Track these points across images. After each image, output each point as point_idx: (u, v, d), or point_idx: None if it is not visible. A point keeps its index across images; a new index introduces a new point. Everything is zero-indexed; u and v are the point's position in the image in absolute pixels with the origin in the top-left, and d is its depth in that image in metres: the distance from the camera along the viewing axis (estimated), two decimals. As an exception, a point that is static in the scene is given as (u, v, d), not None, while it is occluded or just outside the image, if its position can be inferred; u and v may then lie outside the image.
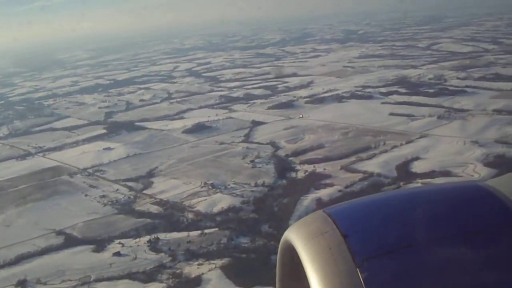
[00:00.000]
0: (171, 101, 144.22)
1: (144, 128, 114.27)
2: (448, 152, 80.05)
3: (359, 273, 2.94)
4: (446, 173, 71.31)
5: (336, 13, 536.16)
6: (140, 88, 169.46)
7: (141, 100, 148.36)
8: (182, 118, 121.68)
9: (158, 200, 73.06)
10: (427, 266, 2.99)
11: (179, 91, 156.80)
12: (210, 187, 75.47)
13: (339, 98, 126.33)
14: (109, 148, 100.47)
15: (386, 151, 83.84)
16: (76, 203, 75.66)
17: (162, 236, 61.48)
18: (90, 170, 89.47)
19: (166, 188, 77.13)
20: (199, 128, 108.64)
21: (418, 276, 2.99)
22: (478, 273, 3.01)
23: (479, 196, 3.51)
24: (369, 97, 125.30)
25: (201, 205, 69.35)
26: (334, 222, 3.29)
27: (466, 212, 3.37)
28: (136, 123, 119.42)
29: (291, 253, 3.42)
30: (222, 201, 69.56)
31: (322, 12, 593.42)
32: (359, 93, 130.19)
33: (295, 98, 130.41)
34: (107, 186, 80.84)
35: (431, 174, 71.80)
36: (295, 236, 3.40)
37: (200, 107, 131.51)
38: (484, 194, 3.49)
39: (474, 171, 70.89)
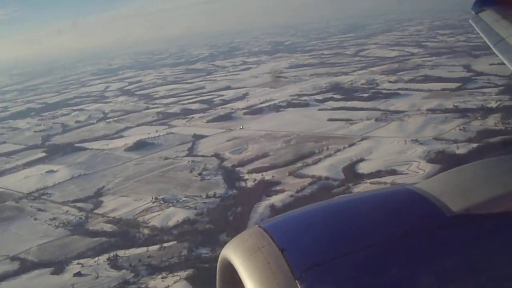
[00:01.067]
0: (107, 120, 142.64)
1: (84, 149, 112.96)
2: (391, 152, 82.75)
3: (298, 285, 3.01)
4: (392, 172, 73.78)
5: (260, 26, 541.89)
6: (74, 110, 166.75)
7: (77, 122, 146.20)
8: (121, 136, 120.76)
9: (111, 218, 72.82)
10: (365, 272, 3.11)
11: (115, 111, 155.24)
12: (161, 202, 75.81)
13: (276, 108, 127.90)
14: (52, 171, 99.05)
15: (330, 155, 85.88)
16: (26, 227, 74.70)
17: (121, 253, 61.51)
18: (36, 194, 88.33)
19: (117, 206, 76.89)
20: (141, 146, 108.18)
21: (356, 283, 3.10)
22: (416, 275, 3.13)
23: (411, 200, 3.63)
24: (306, 105, 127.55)
25: (156, 220, 69.55)
26: (271, 237, 3.34)
27: (399, 216, 3.47)
28: (76, 145, 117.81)
29: (230, 271, 3.46)
30: (176, 215, 69.94)
31: (246, 26, 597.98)
32: (296, 101, 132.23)
33: (233, 110, 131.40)
34: (56, 209, 79.99)
35: (378, 174, 74.04)
36: (233, 253, 3.44)
37: (139, 125, 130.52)
38: (415, 197, 3.62)
39: (419, 168, 73.59)
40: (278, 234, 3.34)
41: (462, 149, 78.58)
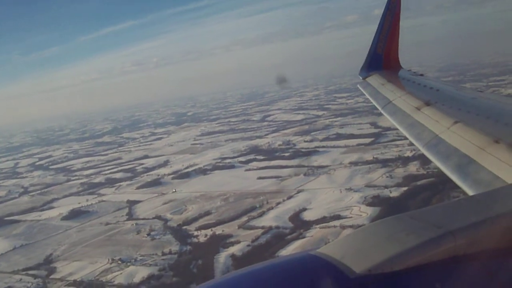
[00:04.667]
0: (31, 194, 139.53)
1: (17, 221, 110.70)
2: (330, 200, 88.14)
3: None
4: (337, 217, 79.00)
5: (157, 100, 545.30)
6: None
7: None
8: (52, 208, 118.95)
9: (71, 281, 72.93)
10: None
11: (34, 184, 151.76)
12: (119, 262, 76.63)
13: (203, 171, 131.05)
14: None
15: (272, 208, 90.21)
16: (-18, 298, 73.54)
17: (95, 310, 62.48)
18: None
19: (73, 270, 76.89)
20: (76, 214, 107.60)
21: None
22: None
23: (314, 265, 3.68)
24: (231, 166, 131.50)
25: (120, 278, 70.72)
26: None
27: (303, 283, 3.50)
28: (5, 218, 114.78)
29: None
30: (139, 272, 71.31)
31: (142, 100, 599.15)
32: (220, 164, 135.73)
33: (159, 176, 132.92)
34: (7, 278, 78.81)
35: (323, 220, 79.00)
36: None
37: (65, 196, 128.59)
38: (318, 262, 3.68)
39: (361, 211, 79.33)
40: None
41: (394, 193, 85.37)
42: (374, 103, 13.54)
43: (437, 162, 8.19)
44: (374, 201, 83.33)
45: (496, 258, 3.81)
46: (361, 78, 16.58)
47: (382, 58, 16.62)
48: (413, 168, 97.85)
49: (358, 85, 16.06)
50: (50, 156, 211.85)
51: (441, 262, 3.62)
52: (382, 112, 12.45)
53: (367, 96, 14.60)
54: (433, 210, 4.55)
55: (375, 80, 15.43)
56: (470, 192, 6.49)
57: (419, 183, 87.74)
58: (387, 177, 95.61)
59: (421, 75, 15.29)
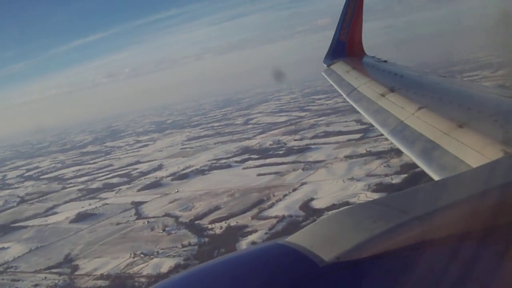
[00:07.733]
0: (29, 202, 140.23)
1: (25, 227, 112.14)
2: (335, 190, 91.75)
3: None
4: (346, 203, 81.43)
5: (130, 110, 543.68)
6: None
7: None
8: (55, 213, 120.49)
9: (98, 275, 75.33)
10: None
11: (30, 194, 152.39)
12: (142, 255, 79.33)
13: (201, 172, 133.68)
14: (3, 248, 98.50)
15: (281, 200, 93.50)
16: (12, 296, 75.61)
17: (132, 299, 65.22)
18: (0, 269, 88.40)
19: (97, 266, 79.34)
20: (83, 217, 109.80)
21: None
22: None
23: (283, 254, 3.63)
24: (228, 166, 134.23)
25: (147, 269, 73.49)
26: None
27: (272, 272, 3.45)
28: (12, 225, 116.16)
29: None
30: (164, 263, 74.12)
31: (116, 111, 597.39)
32: (216, 164, 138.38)
33: (158, 179, 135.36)
34: (32, 277, 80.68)
35: (334, 207, 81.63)
36: None
37: (66, 202, 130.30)
38: (287, 251, 3.63)
39: (367, 197, 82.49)
40: None
41: (396, 180, 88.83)
42: (339, 90, 13.61)
43: (402, 148, 8.54)
44: (378, 188, 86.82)
45: (462, 242, 3.90)
46: (325, 65, 16.65)
47: (345, 45, 16.75)
48: (407, 158, 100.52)
49: (322, 73, 16.08)
50: (37, 167, 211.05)
51: (409, 247, 3.67)
52: (347, 99, 12.52)
53: (332, 83, 14.74)
54: (399, 196, 4.56)
55: (339, 67, 15.56)
56: (435, 177, 6.64)
57: (417, 170, 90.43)
58: (384, 166, 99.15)
59: (385, 61, 15.04)
